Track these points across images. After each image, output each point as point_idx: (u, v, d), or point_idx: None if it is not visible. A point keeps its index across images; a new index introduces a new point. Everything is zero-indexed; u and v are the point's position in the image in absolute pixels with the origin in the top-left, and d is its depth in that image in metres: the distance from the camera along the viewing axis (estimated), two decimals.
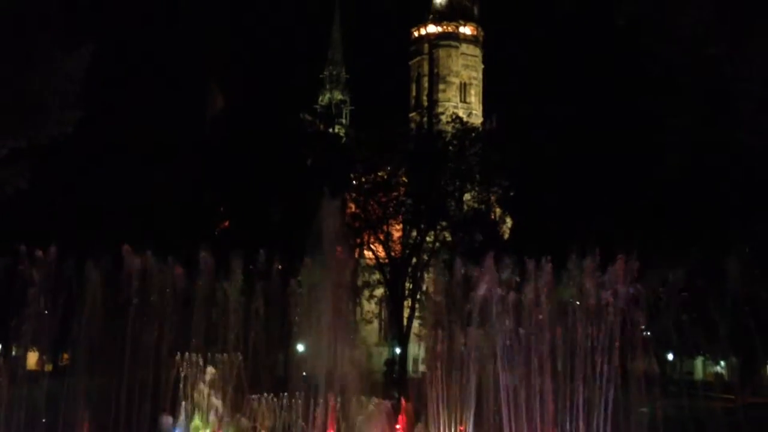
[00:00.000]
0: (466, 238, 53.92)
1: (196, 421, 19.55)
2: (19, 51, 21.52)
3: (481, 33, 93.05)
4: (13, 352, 18.60)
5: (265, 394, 19.01)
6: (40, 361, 21.55)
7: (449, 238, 55.47)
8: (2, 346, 22.01)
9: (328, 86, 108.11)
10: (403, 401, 21.68)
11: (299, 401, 17.84)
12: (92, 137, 30.85)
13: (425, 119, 73.44)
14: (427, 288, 53.84)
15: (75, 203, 40.08)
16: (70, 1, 23.24)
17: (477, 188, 57.42)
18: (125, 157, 42.18)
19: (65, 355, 17.44)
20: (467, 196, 57.79)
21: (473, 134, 59.43)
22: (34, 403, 15.40)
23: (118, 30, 34.51)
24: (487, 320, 17.83)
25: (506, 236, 59.74)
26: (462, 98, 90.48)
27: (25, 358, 19.04)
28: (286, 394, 18.65)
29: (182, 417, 19.83)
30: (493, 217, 58.77)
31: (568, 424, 17.70)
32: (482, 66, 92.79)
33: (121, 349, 17.16)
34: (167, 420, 19.74)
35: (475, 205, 57.37)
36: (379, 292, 59.60)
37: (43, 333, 16.07)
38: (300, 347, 23.41)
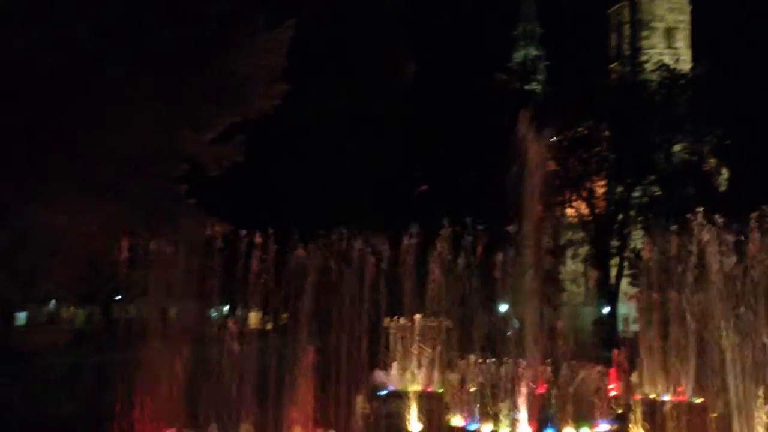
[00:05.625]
0: (677, 192, 50.95)
1: (407, 377, 20.20)
2: (224, 33, 22.90)
3: None
4: (238, 312, 20.18)
5: (473, 356, 19.12)
6: (262, 321, 23.09)
7: (658, 192, 52.66)
8: (229, 307, 23.87)
9: (521, 43, 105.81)
10: (615, 354, 21.00)
11: (508, 363, 17.72)
12: (292, 112, 31.93)
13: (627, 69, 69.73)
14: (635, 246, 51.59)
15: (278, 178, 41.09)
16: None
17: (688, 139, 53.92)
18: (322, 130, 42.89)
19: (284, 315, 18.63)
20: (677, 147, 54.48)
21: (682, 81, 55.76)
22: (262, 355, 16.92)
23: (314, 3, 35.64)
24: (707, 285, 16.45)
25: (722, 188, 55.86)
26: (668, 44, 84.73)
27: (247, 318, 20.61)
28: (493, 358, 18.61)
29: (394, 373, 20.57)
30: (706, 168, 55.02)
31: None
32: (690, 7, 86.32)
33: (334, 312, 18.06)
34: (380, 375, 20.52)
35: (686, 157, 53.95)
36: (583, 250, 57.96)
37: (266, 296, 17.35)
38: (502, 308, 23.29)
